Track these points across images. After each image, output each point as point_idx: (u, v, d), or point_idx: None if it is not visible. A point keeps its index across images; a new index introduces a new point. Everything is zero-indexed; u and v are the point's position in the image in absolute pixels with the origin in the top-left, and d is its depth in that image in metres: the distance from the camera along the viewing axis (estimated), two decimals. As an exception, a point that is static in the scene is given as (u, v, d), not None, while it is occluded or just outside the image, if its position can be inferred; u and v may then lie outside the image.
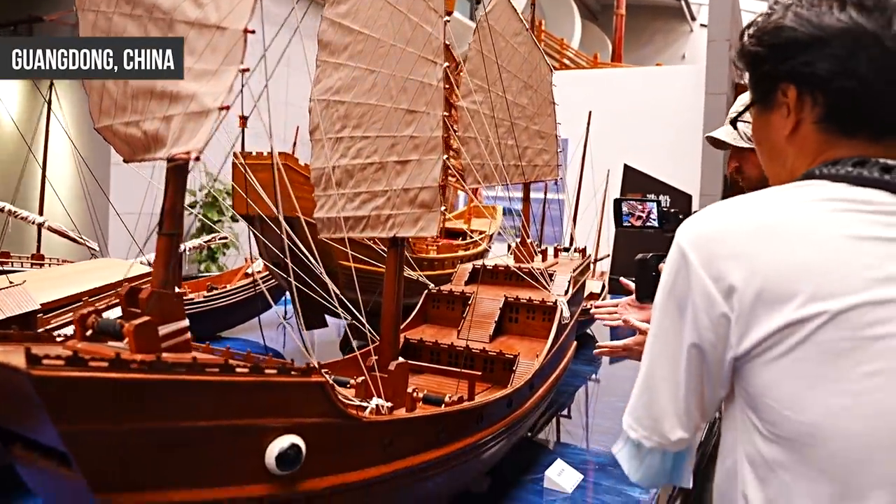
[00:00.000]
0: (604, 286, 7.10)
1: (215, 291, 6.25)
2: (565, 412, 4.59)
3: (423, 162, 2.77)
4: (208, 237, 6.41)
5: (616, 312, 2.97)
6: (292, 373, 1.81)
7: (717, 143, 2.75)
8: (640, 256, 1.95)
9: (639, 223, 1.95)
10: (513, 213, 4.32)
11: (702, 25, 24.39)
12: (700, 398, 1.11)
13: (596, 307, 3.15)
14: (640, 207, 1.96)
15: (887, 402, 0.88)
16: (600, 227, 7.88)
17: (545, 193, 5.79)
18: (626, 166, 12.26)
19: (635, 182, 12.37)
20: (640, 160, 12.17)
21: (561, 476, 3.29)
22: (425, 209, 2.75)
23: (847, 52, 0.99)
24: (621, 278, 2.92)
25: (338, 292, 3.23)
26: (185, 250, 6.19)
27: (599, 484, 3.33)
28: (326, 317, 5.80)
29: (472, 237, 7.12)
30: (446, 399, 2.73)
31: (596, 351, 3.02)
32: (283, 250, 3.24)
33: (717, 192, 11.92)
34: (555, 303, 3.66)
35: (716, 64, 12.12)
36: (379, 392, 2.80)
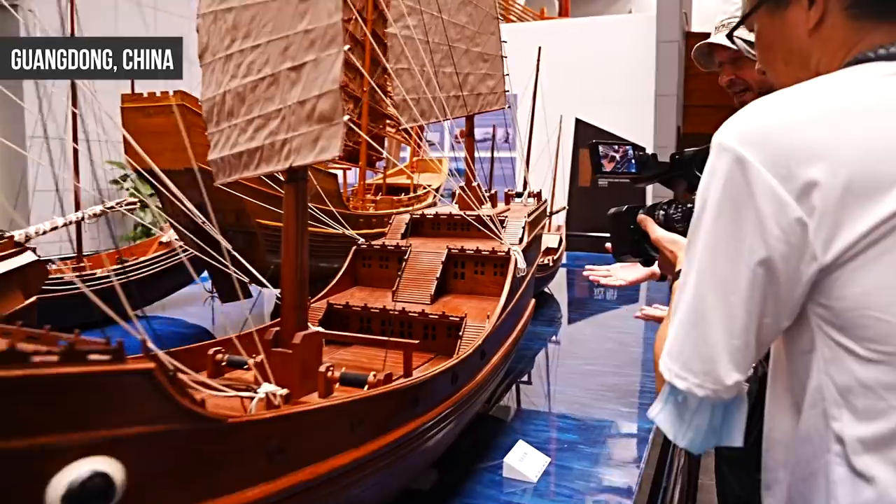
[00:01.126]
0: (561, 240, 6.54)
1: (124, 264, 5.45)
2: (525, 379, 4.00)
3: (321, 62, 2.07)
4: (112, 203, 5.55)
5: (611, 274, 2.75)
6: (95, 357, 1.12)
7: (703, 59, 2.31)
8: (613, 210, 1.73)
9: (611, 166, 1.66)
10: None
11: (648, -21, 23.94)
12: (758, 330, 0.93)
13: (588, 268, 2.85)
14: (616, 149, 1.68)
15: None
16: (555, 178, 7.30)
17: (493, 133, 5.13)
18: (577, 120, 11.72)
19: (588, 136, 11.85)
20: (592, 114, 11.66)
21: (524, 461, 2.70)
22: (325, 123, 2.06)
23: None
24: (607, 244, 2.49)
25: (230, 249, 2.52)
26: (83, 218, 5.34)
27: (569, 468, 2.75)
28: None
29: (417, 192, 6.43)
30: (369, 378, 2.08)
31: (589, 275, 2.81)
32: (193, 210, 2.56)
33: (671, 145, 11.52)
34: (507, 253, 3.02)
35: (667, 10, 11.62)
36: (287, 372, 2.15)
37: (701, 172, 1.47)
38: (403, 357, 2.50)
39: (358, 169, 6.70)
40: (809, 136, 0.85)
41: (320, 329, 2.26)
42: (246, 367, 2.33)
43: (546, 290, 6.61)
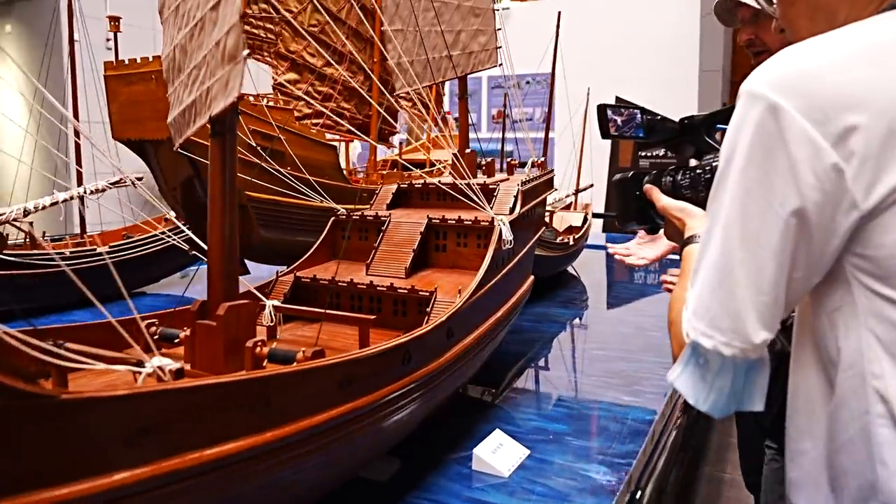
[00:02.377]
0: (586, 219, 6.17)
1: (126, 241, 5.35)
2: (536, 364, 3.70)
3: (233, -11, 1.81)
4: (115, 179, 5.45)
5: (631, 252, 2.59)
6: None
7: (725, 15, 2.20)
8: (618, 176, 1.68)
9: (615, 132, 1.54)
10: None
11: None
12: (788, 286, 0.88)
13: (610, 246, 2.68)
14: (623, 112, 1.56)
15: None
16: (581, 155, 6.92)
17: (504, 108, 4.78)
18: (617, 98, 11.23)
19: (629, 116, 11.34)
20: (632, 92, 11.16)
21: (497, 453, 2.41)
22: (231, 62, 1.80)
23: None
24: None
25: (173, 217, 2.30)
26: (85, 192, 5.25)
27: (550, 462, 2.45)
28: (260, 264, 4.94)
29: (432, 169, 6.16)
30: (298, 356, 1.83)
31: (612, 251, 2.60)
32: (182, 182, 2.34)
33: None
34: (491, 222, 2.72)
35: (712, -21, 11.01)
36: (212, 346, 1.92)
37: (710, 137, 1.45)
38: (359, 333, 2.25)
39: (378, 144, 6.48)
40: (847, 78, 0.83)
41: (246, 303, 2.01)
42: (177, 340, 2.12)
43: (571, 269, 6.27)
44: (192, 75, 2.19)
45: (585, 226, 6.11)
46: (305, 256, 3.04)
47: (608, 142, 10.86)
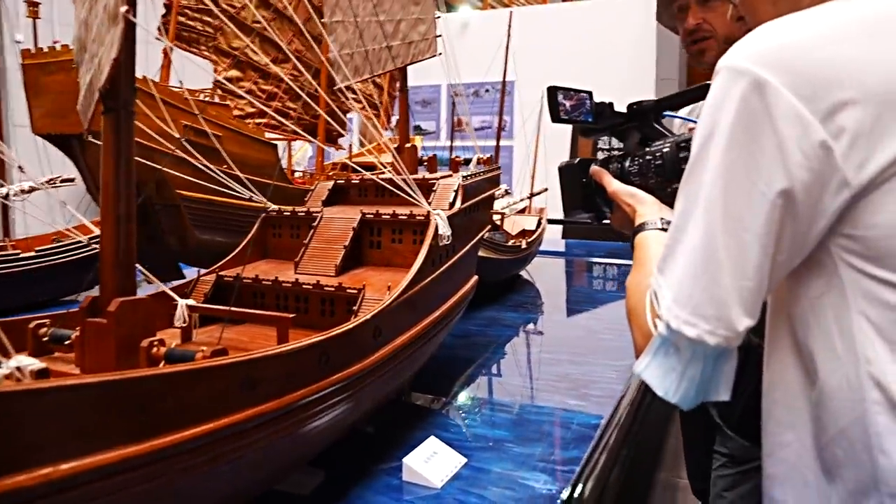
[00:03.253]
0: (540, 222, 6.06)
1: (56, 245, 5.05)
2: (477, 370, 3.54)
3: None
4: (45, 178, 5.14)
5: None
6: None
7: (664, 7, 2.17)
8: (564, 163, 1.62)
9: (565, 116, 1.48)
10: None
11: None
12: (771, 270, 0.86)
13: None
14: (572, 96, 1.50)
15: None
16: (535, 158, 6.85)
17: (453, 119, 4.65)
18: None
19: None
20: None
21: (430, 463, 2.24)
22: (114, 23, 1.62)
23: None
24: None
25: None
26: (8, 195, 4.94)
27: (487, 471, 2.28)
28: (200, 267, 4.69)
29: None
30: (197, 356, 1.64)
31: None
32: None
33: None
34: (427, 216, 2.57)
35: (667, -10, 11.13)
36: (103, 346, 1.72)
37: (658, 123, 1.41)
38: (277, 333, 2.06)
39: (330, 146, 6.29)
40: (836, 52, 0.81)
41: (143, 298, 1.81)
42: (68, 342, 1.90)
43: (524, 273, 6.14)
44: (90, 51, 2.00)
45: (539, 230, 6.00)
46: (231, 255, 2.84)
47: (567, 145, 10.89)
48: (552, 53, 10.91)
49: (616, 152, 1.57)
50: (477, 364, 3.62)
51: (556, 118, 1.58)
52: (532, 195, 6.63)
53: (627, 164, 1.44)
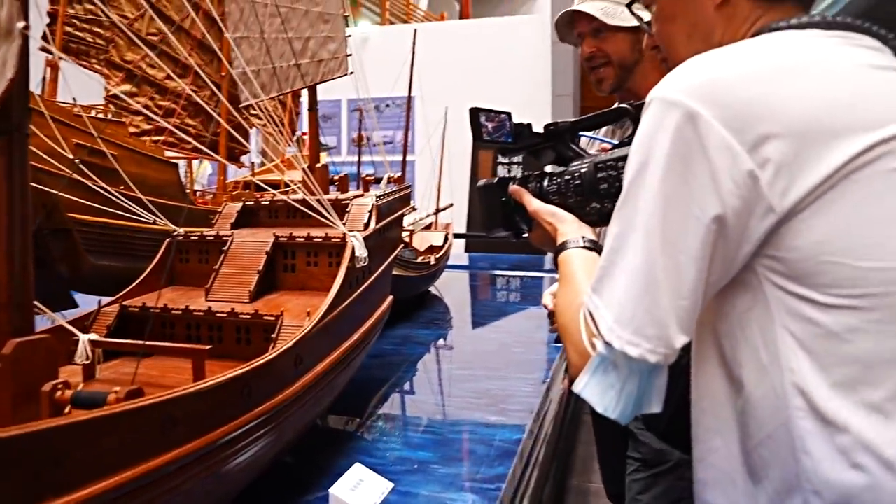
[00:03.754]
0: (447, 238, 6.12)
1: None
2: (390, 389, 3.52)
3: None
4: None
5: None
6: None
7: (564, 30, 2.19)
8: (482, 182, 1.62)
9: (487, 137, 1.50)
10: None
11: (548, -12, 24.33)
12: (704, 290, 0.92)
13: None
14: (494, 117, 1.53)
15: None
16: (440, 174, 6.91)
17: (366, 119, 4.62)
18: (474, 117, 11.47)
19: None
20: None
21: (357, 490, 2.20)
22: (7, 39, 1.51)
23: None
24: None
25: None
26: None
27: (415, 494, 2.27)
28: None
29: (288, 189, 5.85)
30: (109, 397, 1.53)
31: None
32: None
33: (570, 144, 11.44)
34: (343, 238, 2.53)
35: (561, 11, 11.58)
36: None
37: (574, 144, 1.45)
38: (193, 367, 1.96)
39: (232, 163, 6.08)
40: (761, 90, 0.88)
41: (48, 335, 1.68)
42: (-44, 389, 1.73)
43: (433, 289, 6.18)
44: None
45: (447, 245, 6.06)
46: (135, 283, 2.69)
47: (468, 161, 11.08)
48: (452, 70, 11.09)
49: (516, 164, 1.61)
50: (393, 384, 3.60)
51: (478, 139, 1.60)
52: (438, 210, 6.68)
53: (546, 183, 1.46)
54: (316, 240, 2.64)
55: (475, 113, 1.60)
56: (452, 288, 6.57)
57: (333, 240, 2.62)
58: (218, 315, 2.35)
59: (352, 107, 12.25)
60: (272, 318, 2.27)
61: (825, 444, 0.89)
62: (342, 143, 12.38)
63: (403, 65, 8.22)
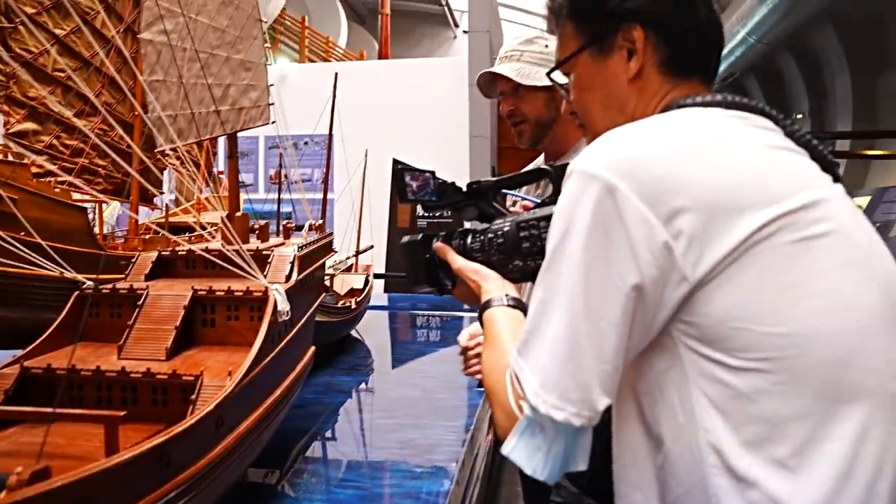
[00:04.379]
0: (368, 280, 6.09)
1: None
2: (312, 440, 3.44)
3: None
4: None
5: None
6: None
7: (485, 87, 2.26)
8: (406, 239, 1.67)
9: (412, 196, 1.54)
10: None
11: (464, 32, 25.00)
12: (625, 354, 0.98)
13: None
14: (418, 176, 1.56)
15: (846, 293, 0.94)
16: (360, 216, 6.90)
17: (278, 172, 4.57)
18: (394, 161, 11.50)
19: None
20: (411, 155, 11.51)
21: (279, 555, 2.13)
22: None
23: None
24: None
25: None
26: None
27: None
28: None
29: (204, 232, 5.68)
30: (10, 479, 1.43)
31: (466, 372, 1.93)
32: None
33: (488, 185, 11.65)
34: (265, 292, 2.48)
35: (477, 54, 11.91)
36: None
37: (496, 202, 1.51)
38: (105, 435, 1.86)
39: (145, 205, 5.85)
40: (675, 166, 0.93)
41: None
42: None
43: (354, 332, 6.11)
44: None
45: (367, 287, 6.03)
46: (38, 341, 2.53)
47: (386, 203, 11.10)
48: (372, 109, 11.17)
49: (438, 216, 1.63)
50: (316, 434, 3.52)
51: (403, 198, 1.63)
52: (359, 252, 6.65)
53: (469, 240, 1.49)
54: (236, 294, 2.58)
55: (400, 172, 1.63)
56: (373, 330, 6.52)
57: (255, 294, 2.57)
58: (132, 375, 2.24)
59: (269, 144, 12.09)
60: (191, 378, 2.19)
61: (738, 500, 0.93)
62: (259, 180, 12.17)
63: (322, 102, 8.23)
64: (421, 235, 1.75)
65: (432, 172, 1.68)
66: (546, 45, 2.13)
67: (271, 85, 3.53)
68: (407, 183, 1.59)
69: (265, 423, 2.39)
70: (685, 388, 0.97)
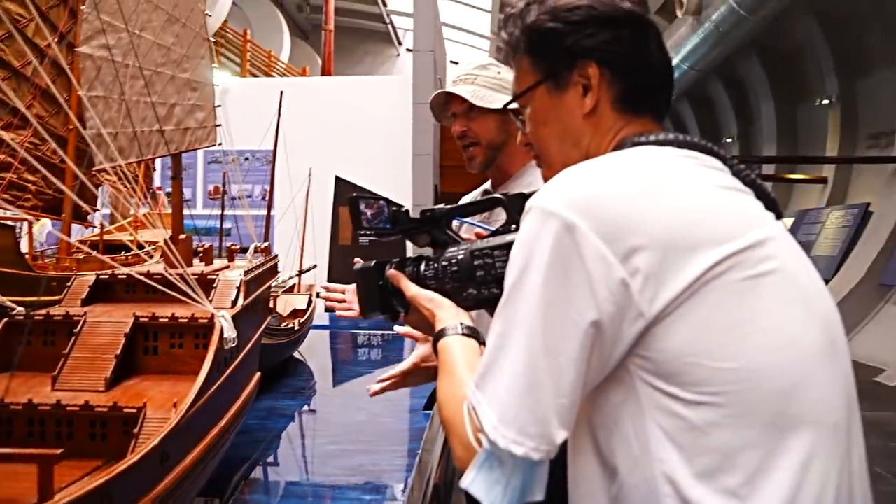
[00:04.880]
0: (311, 301, 6.00)
1: None
2: (255, 471, 3.34)
3: None
4: None
5: (347, 302, 1.94)
6: None
7: (438, 109, 2.23)
8: (359, 265, 1.58)
9: (367, 224, 1.49)
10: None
11: (408, 50, 25.17)
12: (582, 388, 0.98)
13: (324, 287, 2.08)
14: (373, 205, 1.51)
15: (790, 329, 0.99)
16: (304, 236, 6.81)
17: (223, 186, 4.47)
18: (337, 178, 11.44)
19: (348, 194, 11.60)
20: (354, 172, 11.49)
21: None
22: None
23: (641, 34, 1.12)
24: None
25: None
26: None
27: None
28: None
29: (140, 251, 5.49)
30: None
31: (372, 392, 1.88)
32: None
33: (429, 202, 11.71)
34: (211, 318, 2.42)
35: (422, 73, 11.99)
36: None
37: (449, 229, 1.50)
38: (38, 475, 1.76)
39: (78, 223, 5.62)
40: (632, 206, 0.96)
41: None
42: None
43: (297, 354, 6.00)
44: None
45: (310, 308, 5.94)
46: (-37, 372, 2.39)
47: (328, 220, 10.99)
48: (315, 125, 11.09)
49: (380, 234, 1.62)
50: (260, 462, 3.43)
51: (358, 228, 1.62)
52: (301, 272, 6.56)
53: (423, 268, 1.45)
54: (181, 321, 2.50)
55: (355, 200, 1.62)
56: (315, 350, 6.42)
57: (200, 320, 2.50)
58: (69, 408, 2.14)
59: (208, 158, 11.82)
60: (133, 410, 2.11)
61: None
62: (198, 195, 11.86)
63: (264, 117, 8.10)
64: (374, 262, 1.75)
65: (386, 199, 1.68)
66: (499, 72, 2.17)
67: (219, 106, 3.46)
68: (361, 211, 1.59)
69: (211, 454, 2.32)
70: (640, 420, 0.99)
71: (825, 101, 11.05)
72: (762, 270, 0.98)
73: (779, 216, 1.10)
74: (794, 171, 12.44)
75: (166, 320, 2.47)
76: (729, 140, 14.84)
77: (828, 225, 10.41)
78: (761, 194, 1.10)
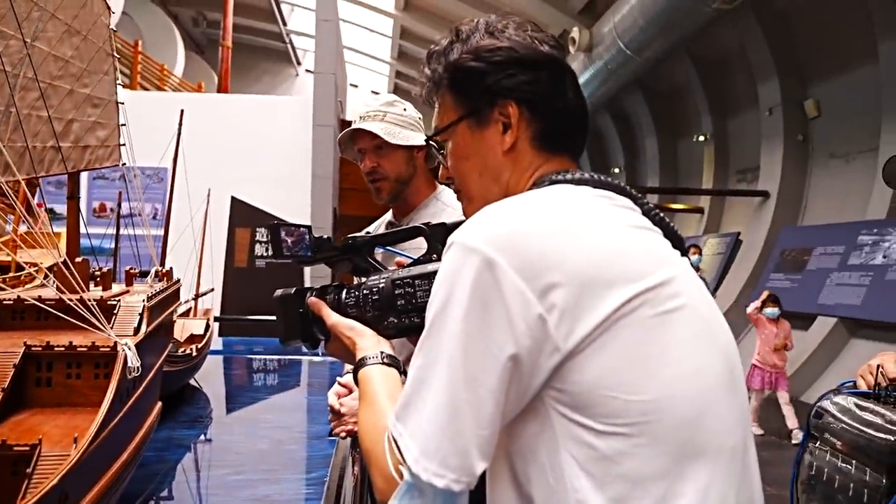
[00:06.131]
0: (209, 325, 5.79)
1: None
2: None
3: None
4: None
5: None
6: None
7: (345, 145, 2.28)
8: (280, 292, 1.61)
9: (287, 252, 1.52)
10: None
11: (307, 71, 24.95)
12: (501, 419, 1.03)
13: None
14: (293, 233, 1.56)
15: (696, 361, 1.05)
16: (201, 257, 6.57)
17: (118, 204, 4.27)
18: (233, 199, 11.11)
19: (244, 215, 11.29)
20: (250, 192, 11.20)
21: None
22: None
23: (559, 76, 1.18)
24: None
25: None
26: None
27: None
28: None
29: (21, 273, 5.11)
30: None
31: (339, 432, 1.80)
32: None
33: (328, 225, 11.61)
34: (114, 347, 2.31)
35: (323, 96, 11.93)
36: None
37: (371, 258, 1.55)
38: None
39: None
40: (550, 243, 1.01)
41: None
42: None
43: (193, 381, 5.76)
44: None
45: (208, 333, 5.73)
46: None
47: (223, 242, 10.63)
48: (213, 143, 10.77)
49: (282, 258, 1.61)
50: (155, 495, 3.26)
51: (279, 255, 1.62)
52: (198, 296, 6.32)
53: (344, 296, 1.48)
54: (80, 349, 2.37)
55: (275, 228, 1.62)
56: (211, 376, 6.18)
57: (102, 349, 2.38)
58: (-48, 447, 1.97)
59: (94, 174, 11.17)
60: (26, 448, 1.97)
61: None
62: (83, 212, 11.14)
63: (155, 133, 7.78)
64: (294, 289, 1.74)
65: (308, 227, 1.69)
66: (404, 109, 2.22)
67: (123, 125, 3.31)
68: (282, 239, 1.59)
69: (112, 491, 2.20)
70: (555, 450, 1.03)
71: (701, 138, 11.99)
72: (671, 307, 1.04)
73: (683, 253, 1.17)
74: (675, 202, 13.33)
75: (62, 349, 2.33)
76: (616, 170, 15.74)
77: (706, 252, 11.22)
78: (669, 233, 1.18)
